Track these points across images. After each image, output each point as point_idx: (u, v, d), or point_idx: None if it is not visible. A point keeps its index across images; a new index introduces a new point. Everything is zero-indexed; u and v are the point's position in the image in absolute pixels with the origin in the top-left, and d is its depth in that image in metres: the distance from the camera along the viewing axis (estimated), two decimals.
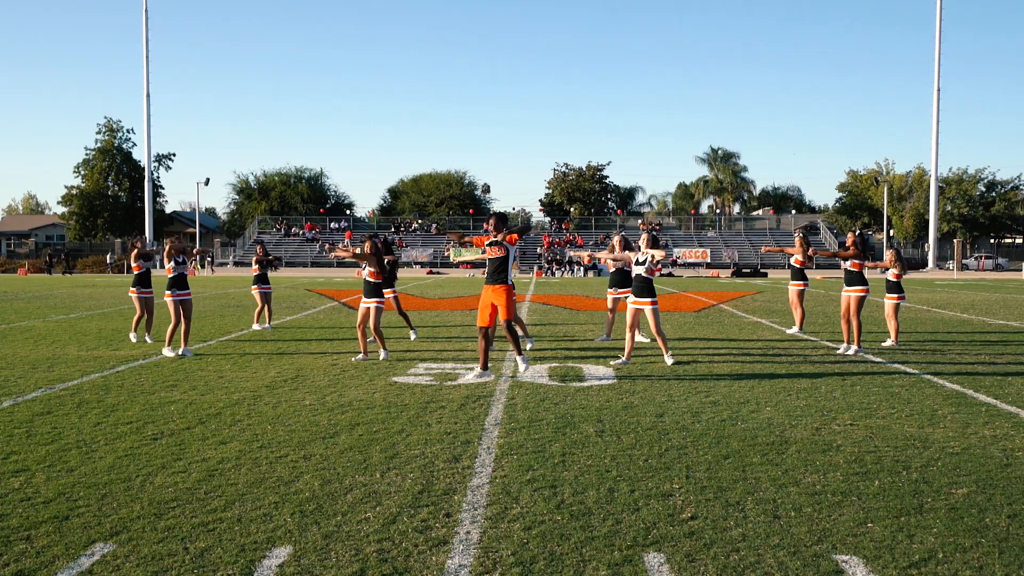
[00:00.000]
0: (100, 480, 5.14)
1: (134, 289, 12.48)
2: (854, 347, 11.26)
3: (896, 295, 12.34)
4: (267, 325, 14.73)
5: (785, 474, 5.32)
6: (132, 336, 12.67)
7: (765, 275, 50.82)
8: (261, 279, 14.92)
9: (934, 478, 5.25)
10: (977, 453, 5.88)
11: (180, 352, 10.96)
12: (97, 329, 14.66)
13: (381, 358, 10.52)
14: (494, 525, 4.37)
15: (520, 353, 9.03)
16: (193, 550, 4.00)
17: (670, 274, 50.79)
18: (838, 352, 11.31)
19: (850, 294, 11.42)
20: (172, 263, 11.39)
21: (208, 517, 4.47)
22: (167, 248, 11.61)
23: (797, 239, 13.90)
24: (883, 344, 12.20)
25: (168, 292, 11.24)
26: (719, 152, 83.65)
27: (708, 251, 64.43)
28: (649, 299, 10.16)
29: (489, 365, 9.34)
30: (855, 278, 11.49)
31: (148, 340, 12.49)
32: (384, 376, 9.29)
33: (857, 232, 12.13)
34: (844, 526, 4.36)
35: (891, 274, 12.44)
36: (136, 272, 12.60)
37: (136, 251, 12.60)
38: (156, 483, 5.09)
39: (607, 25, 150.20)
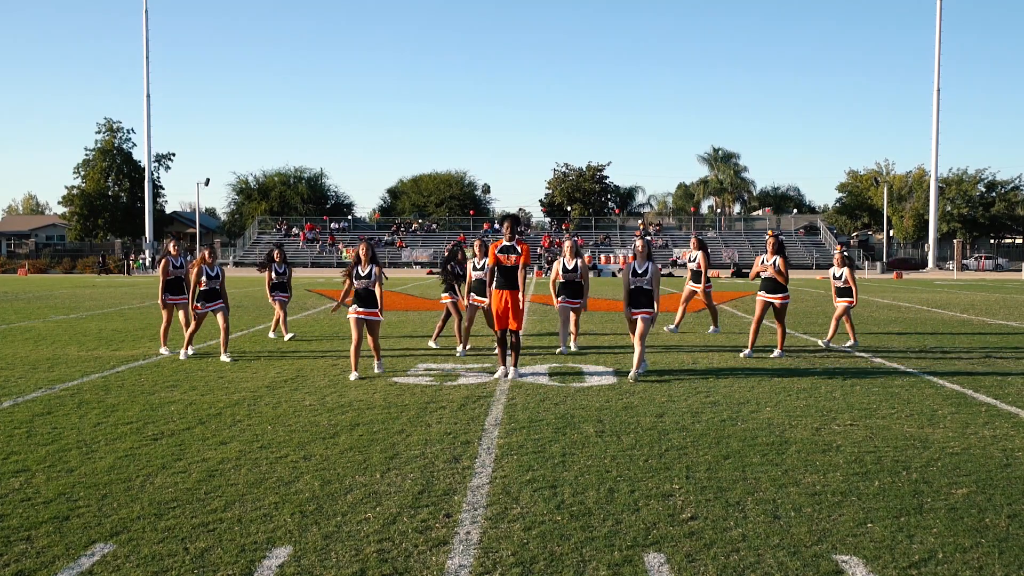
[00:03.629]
0: (100, 480, 5.14)
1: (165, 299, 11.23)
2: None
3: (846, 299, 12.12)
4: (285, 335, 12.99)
5: (785, 474, 5.32)
6: (226, 357, 10.65)
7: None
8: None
9: (934, 478, 5.25)
10: (977, 453, 5.88)
11: (188, 352, 10.91)
12: (97, 329, 14.66)
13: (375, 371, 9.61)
14: (494, 525, 4.37)
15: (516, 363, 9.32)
16: (193, 550, 4.00)
17: (670, 274, 50.76)
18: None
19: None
20: (204, 276, 10.83)
21: (208, 517, 4.47)
22: (199, 260, 10.96)
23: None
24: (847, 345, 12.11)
25: (198, 304, 10.80)
26: (719, 152, 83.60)
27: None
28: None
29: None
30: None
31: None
32: (384, 376, 9.29)
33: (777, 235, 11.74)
34: (844, 526, 4.36)
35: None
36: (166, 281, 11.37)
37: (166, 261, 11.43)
38: (156, 483, 5.09)
39: (608, 25, 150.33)
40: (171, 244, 11.54)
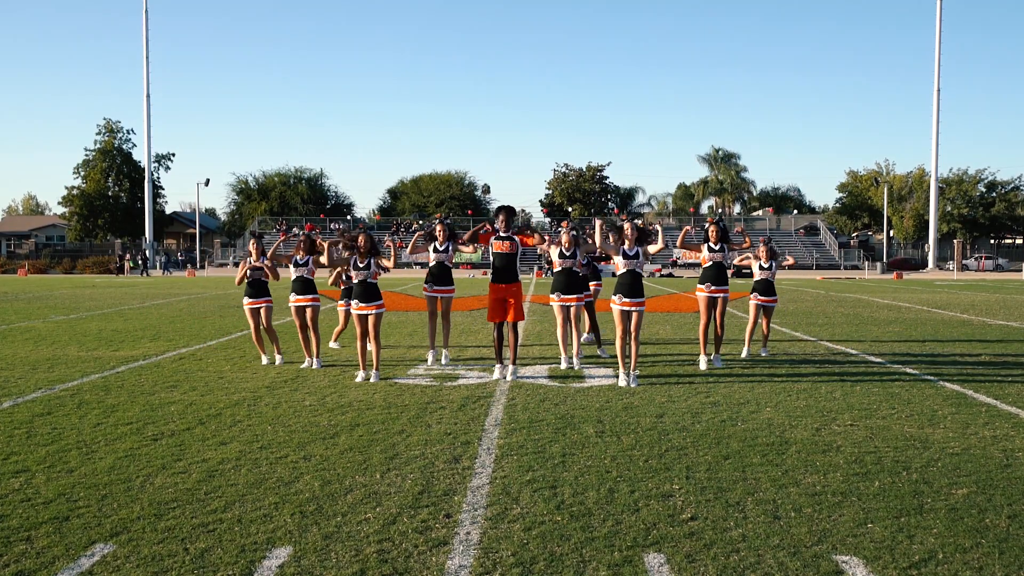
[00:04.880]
0: (100, 481, 5.14)
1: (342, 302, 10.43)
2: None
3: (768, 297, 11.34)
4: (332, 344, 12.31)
5: (785, 475, 5.32)
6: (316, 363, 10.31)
7: None
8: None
9: (934, 478, 5.25)
10: (977, 454, 5.88)
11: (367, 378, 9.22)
12: (97, 330, 14.66)
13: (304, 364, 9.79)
14: (494, 526, 4.37)
15: (515, 361, 9.27)
16: (193, 551, 4.00)
17: (670, 274, 50.77)
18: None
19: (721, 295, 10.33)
20: (353, 268, 9.22)
21: (208, 518, 4.47)
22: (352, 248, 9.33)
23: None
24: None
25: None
26: (719, 152, 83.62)
27: None
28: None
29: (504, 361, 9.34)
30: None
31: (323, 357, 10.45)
32: (384, 377, 9.28)
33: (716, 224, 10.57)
34: (844, 526, 4.36)
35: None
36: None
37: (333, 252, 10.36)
38: (156, 484, 5.09)
39: (608, 25, 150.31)
40: (252, 244, 10.59)
